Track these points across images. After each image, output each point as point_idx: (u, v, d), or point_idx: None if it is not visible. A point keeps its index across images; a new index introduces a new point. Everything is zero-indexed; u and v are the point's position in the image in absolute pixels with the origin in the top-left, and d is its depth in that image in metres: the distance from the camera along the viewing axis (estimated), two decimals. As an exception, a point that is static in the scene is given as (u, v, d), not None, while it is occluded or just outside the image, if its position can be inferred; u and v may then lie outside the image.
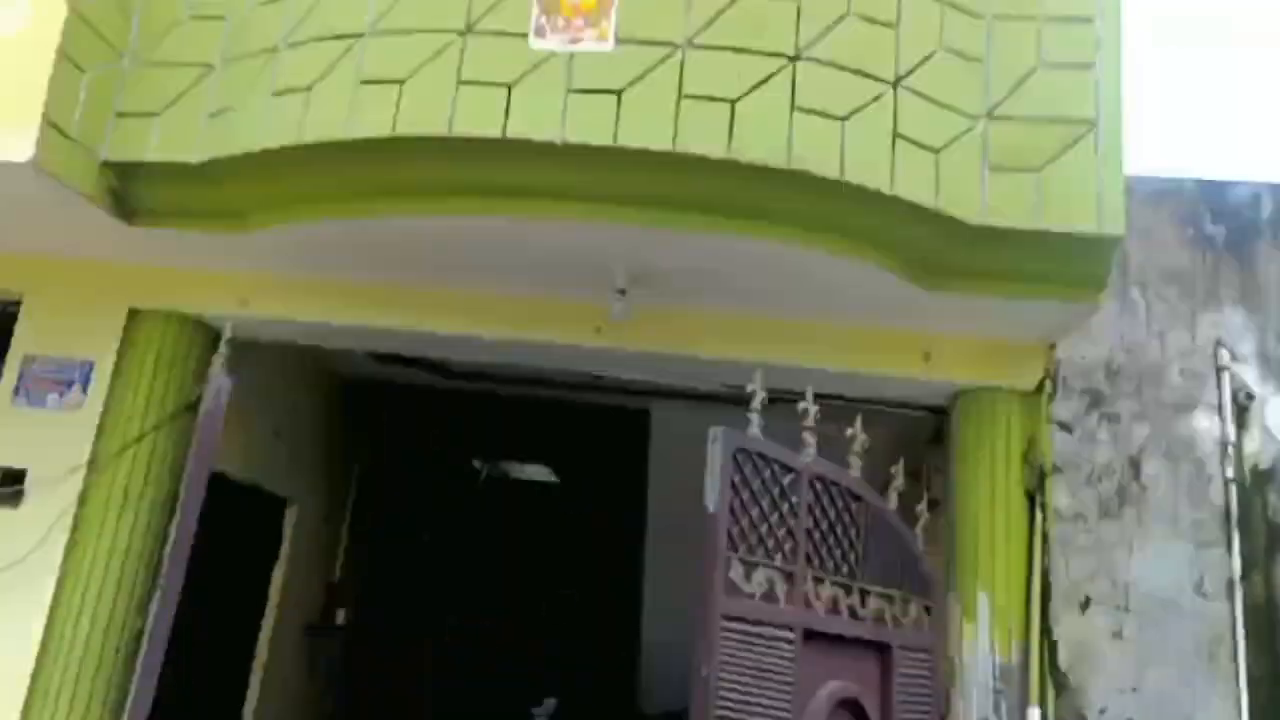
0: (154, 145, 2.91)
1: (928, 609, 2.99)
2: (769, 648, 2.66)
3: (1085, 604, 2.98)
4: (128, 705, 2.84)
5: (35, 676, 3.10)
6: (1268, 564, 3.07)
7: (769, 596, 2.74)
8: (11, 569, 3.12)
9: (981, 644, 2.95)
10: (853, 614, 2.82)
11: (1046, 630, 2.95)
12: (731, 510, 2.55)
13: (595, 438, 5.05)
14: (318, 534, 4.82)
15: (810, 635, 2.73)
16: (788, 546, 2.68)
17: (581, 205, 2.60)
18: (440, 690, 5.99)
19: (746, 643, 2.64)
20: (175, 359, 3.41)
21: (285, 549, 4.37)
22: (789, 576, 2.76)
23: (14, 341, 3.41)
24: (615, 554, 5.85)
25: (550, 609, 6.50)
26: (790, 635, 2.71)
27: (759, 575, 2.73)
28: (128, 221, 3.05)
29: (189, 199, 3.00)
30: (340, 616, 5.18)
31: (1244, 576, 3.04)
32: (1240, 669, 2.86)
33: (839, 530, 2.81)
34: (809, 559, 2.76)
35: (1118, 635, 2.95)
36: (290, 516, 4.40)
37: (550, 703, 6.49)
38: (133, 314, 3.42)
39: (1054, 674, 2.90)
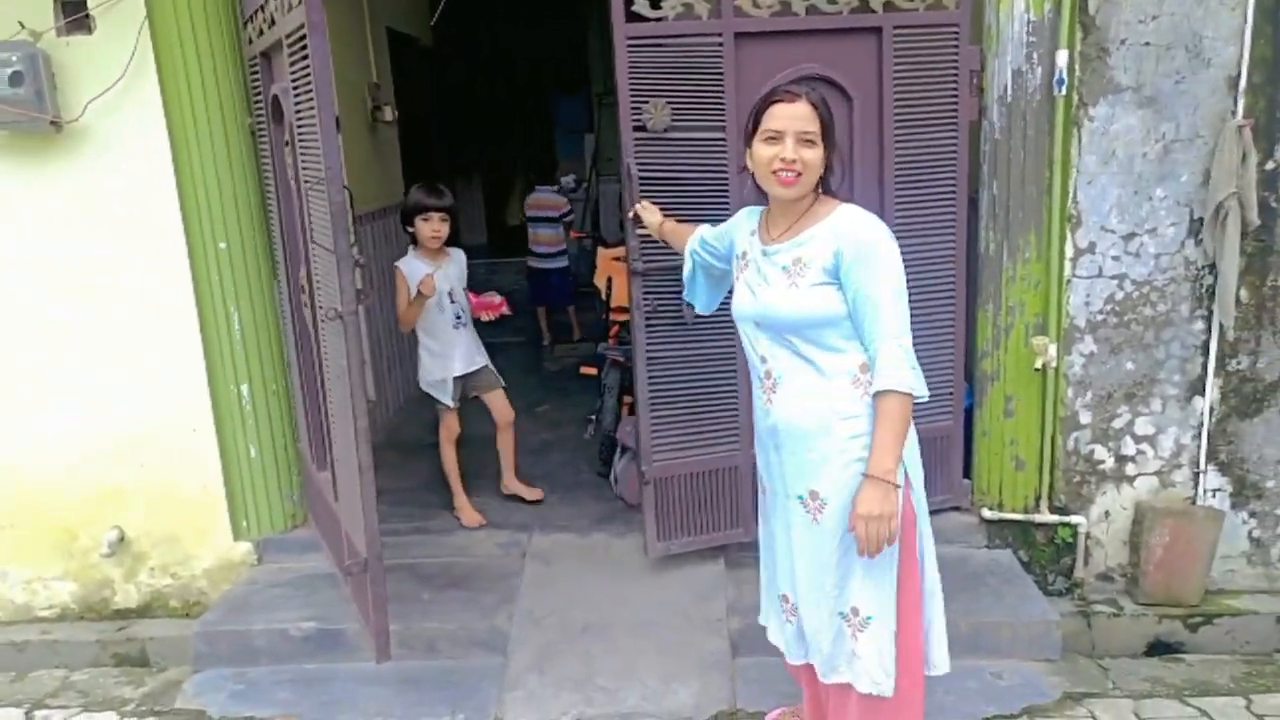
0: None
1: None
2: (689, 58, 2.91)
3: (1117, -52, 3.11)
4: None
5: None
6: None
7: (686, 18, 2.90)
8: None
9: (1017, 7, 3.12)
10: (813, 12, 3.02)
11: (1079, -17, 3.14)
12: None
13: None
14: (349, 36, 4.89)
15: (750, 36, 2.96)
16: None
17: None
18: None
19: (661, 58, 2.89)
20: None
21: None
22: (712, -1, 2.91)
23: None
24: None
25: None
26: (717, 40, 2.95)
27: (669, 3, 2.91)
28: None
29: None
30: (387, 114, 5.46)
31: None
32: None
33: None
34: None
35: (1144, -19, 3.14)
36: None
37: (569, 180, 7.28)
38: None
39: (1082, 20, 3.16)
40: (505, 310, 3.78)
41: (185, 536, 3.53)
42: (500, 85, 10.33)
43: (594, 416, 4.20)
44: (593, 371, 4.29)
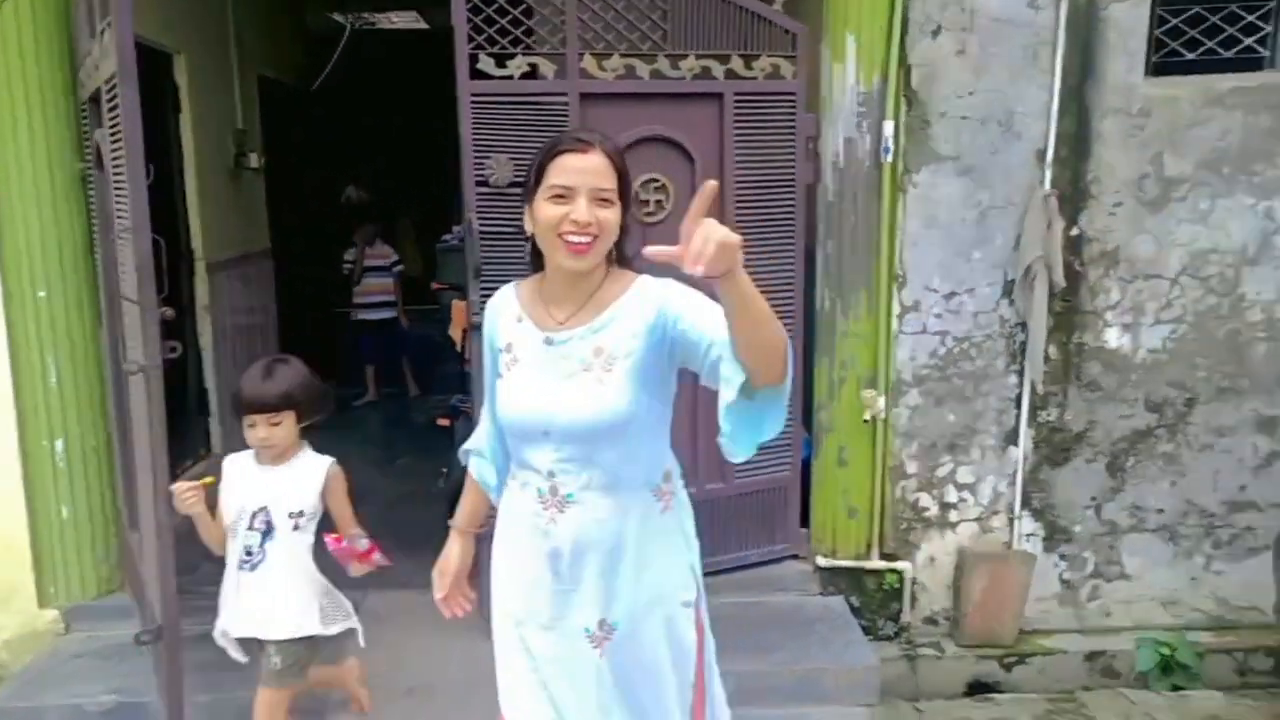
0: None
1: (790, 59, 3.34)
2: (535, 116, 3.03)
3: (936, 31, 3.32)
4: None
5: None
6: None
7: (532, 78, 3.05)
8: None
9: (849, 79, 3.31)
10: (657, 76, 3.18)
11: (903, 59, 3.32)
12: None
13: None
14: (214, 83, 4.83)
15: (596, 97, 3.11)
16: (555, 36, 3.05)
17: None
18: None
19: (505, 115, 3.02)
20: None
21: (186, 99, 4.42)
22: (558, 58, 3.09)
23: None
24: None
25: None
26: (563, 100, 3.08)
27: (514, 63, 3.04)
28: None
29: None
30: (252, 160, 5.38)
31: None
32: (1056, 65, 3.30)
33: (634, 13, 3.11)
34: (583, 40, 3.07)
35: (961, 53, 3.34)
36: (181, 66, 4.38)
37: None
38: None
39: (906, 93, 3.37)
40: (379, 559, 2.54)
41: (-15, 603, 3.31)
42: (382, 132, 10.20)
43: (446, 469, 4.14)
44: (447, 423, 4.25)
